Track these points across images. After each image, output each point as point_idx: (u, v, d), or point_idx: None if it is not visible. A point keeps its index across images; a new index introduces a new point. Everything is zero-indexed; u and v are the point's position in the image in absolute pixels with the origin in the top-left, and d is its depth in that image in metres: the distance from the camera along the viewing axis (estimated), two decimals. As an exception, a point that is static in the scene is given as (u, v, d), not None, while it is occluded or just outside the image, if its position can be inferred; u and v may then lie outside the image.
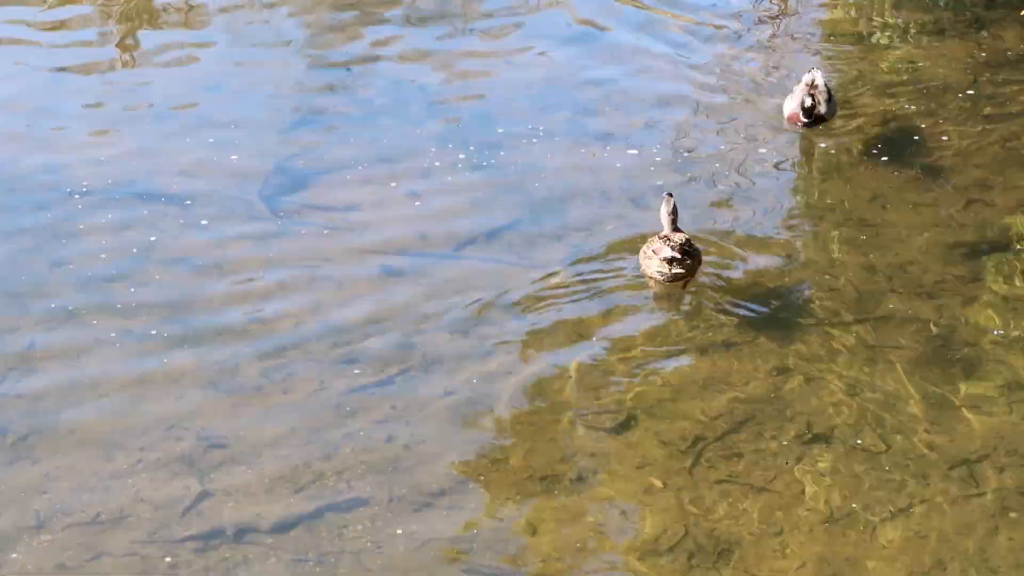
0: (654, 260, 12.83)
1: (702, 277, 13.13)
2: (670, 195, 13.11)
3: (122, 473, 10.89)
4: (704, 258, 13.20)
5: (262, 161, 15.19)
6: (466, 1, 19.82)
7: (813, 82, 15.41)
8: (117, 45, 18.85)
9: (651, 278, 12.98)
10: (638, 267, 13.22)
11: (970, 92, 16.59)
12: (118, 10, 20.14)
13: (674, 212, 13.07)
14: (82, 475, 10.88)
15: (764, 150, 15.29)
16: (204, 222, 14.10)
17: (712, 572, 10.14)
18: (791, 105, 15.43)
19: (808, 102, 15.17)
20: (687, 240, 12.91)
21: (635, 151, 15.21)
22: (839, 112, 15.71)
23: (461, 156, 15.23)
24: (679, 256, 12.70)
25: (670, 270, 12.74)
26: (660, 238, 12.93)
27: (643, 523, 10.54)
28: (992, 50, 17.80)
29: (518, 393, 11.61)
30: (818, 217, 14.12)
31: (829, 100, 15.42)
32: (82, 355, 12.12)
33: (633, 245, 13.57)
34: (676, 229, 13.04)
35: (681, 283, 12.94)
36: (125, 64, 18.21)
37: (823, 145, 15.37)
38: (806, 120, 15.23)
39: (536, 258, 13.41)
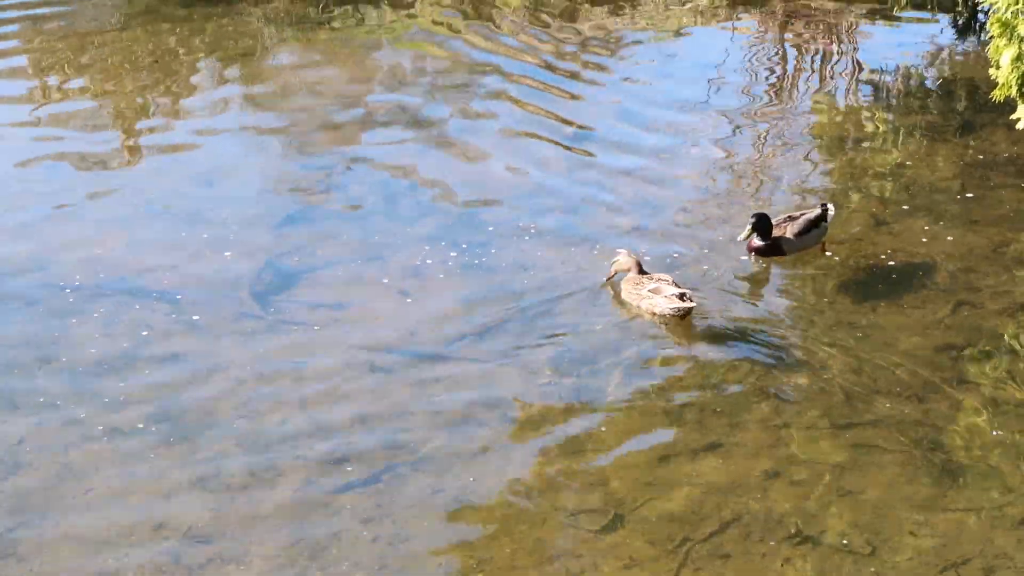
0: (658, 299, 14.00)
1: (689, 375, 13.17)
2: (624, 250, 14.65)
3: (109, 571, 10.82)
4: (692, 359, 13.33)
5: (254, 258, 15.26)
6: (458, 105, 20.00)
7: (791, 215, 15.33)
8: (111, 142, 18.96)
9: (660, 315, 14.06)
10: (634, 308, 14.19)
11: (960, 195, 16.70)
12: (113, 107, 20.29)
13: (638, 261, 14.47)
14: (69, 572, 10.82)
15: (746, 257, 15.32)
16: (196, 318, 14.12)
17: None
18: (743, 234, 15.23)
19: (756, 242, 15.08)
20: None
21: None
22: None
23: (452, 254, 15.29)
24: (685, 291, 14.00)
25: (686, 304, 13.90)
26: (648, 278, 14.20)
27: (630, 624, 10.51)
28: (981, 154, 17.93)
29: (506, 492, 11.59)
30: (807, 319, 14.15)
31: (802, 232, 15.22)
32: (70, 450, 12.10)
33: (621, 343, 13.63)
34: (645, 271, 14.34)
35: (688, 316, 14.06)
36: (120, 160, 18.31)
37: (810, 249, 15.43)
38: (758, 245, 15.11)
39: (525, 357, 13.42)
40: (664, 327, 13.96)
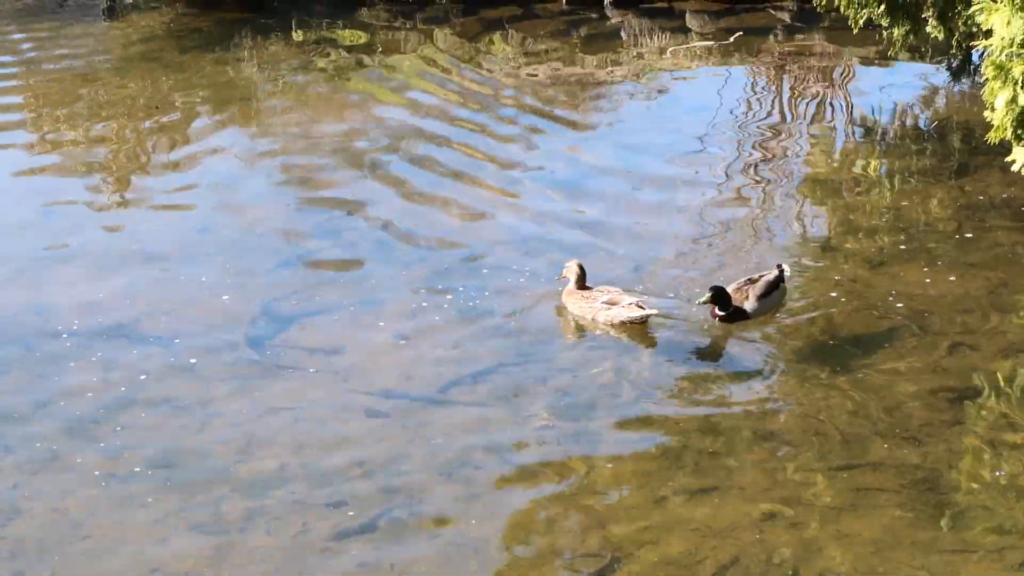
0: (616, 309, 14.74)
1: (685, 418, 13.16)
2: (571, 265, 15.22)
3: (104, 617, 10.81)
4: (689, 402, 13.34)
5: (250, 302, 15.27)
6: (453, 153, 20.05)
7: (750, 278, 15.22)
8: (108, 187, 19.00)
9: (622, 324, 14.72)
10: (586, 320, 14.84)
11: (956, 237, 16.72)
12: (109, 153, 20.33)
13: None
14: (63, 618, 10.81)
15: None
16: (192, 361, 14.12)
17: None
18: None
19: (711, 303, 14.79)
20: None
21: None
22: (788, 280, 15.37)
23: (448, 298, 15.30)
24: (639, 300, 14.78)
25: (647, 311, 14.64)
26: (599, 291, 14.90)
27: (628, 669, 10.47)
28: (976, 195, 17.97)
29: (503, 536, 11.55)
30: (804, 361, 14.14)
31: (764, 295, 14.97)
32: (66, 496, 12.06)
33: (617, 387, 13.63)
34: (587, 286, 15.12)
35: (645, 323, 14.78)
36: (116, 206, 18.34)
37: (807, 291, 15.44)
38: (720, 314, 14.86)
39: (521, 400, 13.41)
40: (650, 370, 13.98)
